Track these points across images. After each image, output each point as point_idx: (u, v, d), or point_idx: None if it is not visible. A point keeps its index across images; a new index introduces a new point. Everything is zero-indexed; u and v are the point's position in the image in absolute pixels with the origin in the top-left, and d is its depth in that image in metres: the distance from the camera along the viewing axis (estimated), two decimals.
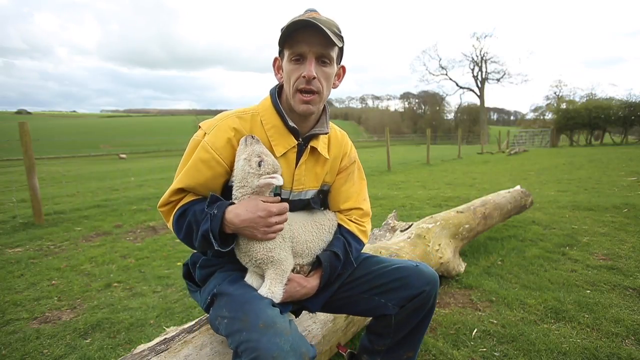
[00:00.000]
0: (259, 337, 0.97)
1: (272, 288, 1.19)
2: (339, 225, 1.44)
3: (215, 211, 1.14)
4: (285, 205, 1.20)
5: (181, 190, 1.24)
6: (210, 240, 1.14)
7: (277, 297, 1.18)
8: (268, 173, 1.15)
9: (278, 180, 1.14)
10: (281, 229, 1.20)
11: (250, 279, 1.25)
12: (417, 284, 1.32)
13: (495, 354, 1.84)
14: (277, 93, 1.33)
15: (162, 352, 1.18)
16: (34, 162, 4.84)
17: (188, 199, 1.25)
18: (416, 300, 1.32)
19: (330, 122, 1.41)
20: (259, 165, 1.14)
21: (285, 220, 1.21)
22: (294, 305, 1.34)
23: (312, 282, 1.29)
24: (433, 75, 55.64)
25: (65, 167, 13.83)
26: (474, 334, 2.02)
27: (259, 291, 1.18)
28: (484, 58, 51.63)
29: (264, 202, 1.16)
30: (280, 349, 0.95)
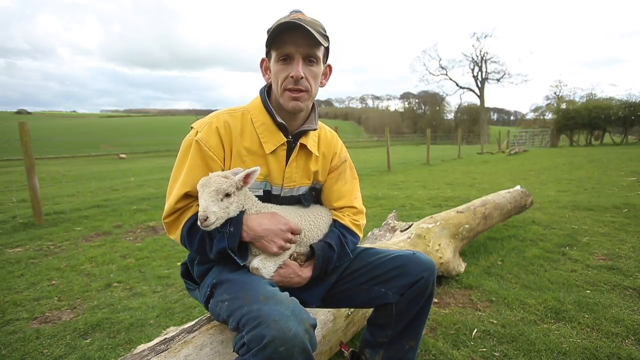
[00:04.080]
0: (260, 306, 1.00)
1: (264, 260, 1.22)
2: (334, 220, 1.46)
3: (232, 229, 1.17)
4: (300, 227, 1.28)
5: (187, 196, 1.23)
6: (229, 256, 1.19)
7: (268, 271, 1.22)
8: (232, 185, 1.14)
9: (256, 172, 1.17)
10: (290, 248, 1.26)
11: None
12: (415, 271, 1.34)
13: (495, 354, 1.84)
14: (267, 93, 1.36)
15: (162, 352, 1.18)
16: (34, 162, 4.84)
17: (195, 209, 1.24)
18: (415, 287, 1.33)
19: (320, 122, 1.44)
20: (228, 195, 1.14)
21: (296, 242, 1.28)
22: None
23: (305, 273, 1.31)
24: (433, 75, 55.63)
25: (65, 167, 13.83)
26: (474, 334, 2.02)
27: (252, 262, 1.22)
28: (484, 58, 51.61)
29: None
30: (282, 313, 0.97)
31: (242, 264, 1.21)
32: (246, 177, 1.17)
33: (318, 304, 1.39)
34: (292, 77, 1.22)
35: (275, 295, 1.04)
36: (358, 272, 1.39)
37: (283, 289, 1.30)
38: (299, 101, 1.26)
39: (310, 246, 1.34)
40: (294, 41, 1.20)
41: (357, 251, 1.45)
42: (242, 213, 1.22)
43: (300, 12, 1.26)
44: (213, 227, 1.12)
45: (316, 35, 1.18)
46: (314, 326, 1.04)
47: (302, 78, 1.22)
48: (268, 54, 1.30)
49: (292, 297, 1.08)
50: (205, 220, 1.08)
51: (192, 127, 1.31)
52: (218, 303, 1.15)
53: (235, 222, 1.18)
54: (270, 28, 1.21)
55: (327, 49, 1.31)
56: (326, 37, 1.25)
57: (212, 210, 1.09)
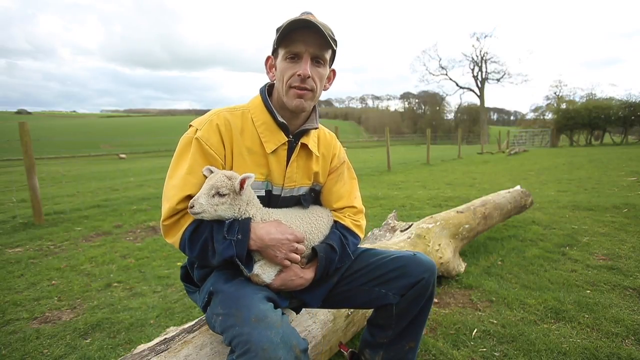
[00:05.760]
0: (251, 330, 0.98)
1: (264, 266, 1.22)
2: (335, 221, 1.46)
3: (240, 236, 1.16)
4: (303, 236, 1.28)
5: (189, 197, 1.20)
6: (235, 264, 1.19)
7: (269, 276, 1.22)
8: (229, 187, 1.15)
9: (250, 179, 1.17)
10: (298, 260, 1.25)
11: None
12: (416, 272, 1.34)
13: (495, 354, 1.84)
14: (268, 92, 1.36)
15: (162, 352, 1.18)
16: (34, 162, 4.84)
17: None
18: (416, 288, 1.33)
19: (319, 124, 1.43)
20: (221, 195, 1.15)
21: (303, 252, 1.28)
22: (293, 301, 1.35)
23: (308, 274, 1.31)
24: (433, 75, 55.64)
25: (65, 167, 13.83)
26: (474, 334, 2.02)
27: (253, 269, 1.21)
28: (484, 58, 51.62)
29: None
30: (271, 341, 0.96)
31: (247, 274, 1.20)
32: (241, 182, 1.16)
33: (319, 305, 1.39)
34: (299, 75, 1.21)
35: (267, 318, 1.01)
36: (358, 273, 1.39)
37: (285, 291, 1.29)
38: (302, 99, 1.25)
39: (312, 248, 1.34)
40: (304, 40, 1.21)
41: (357, 252, 1.45)
42: (248, 220, 1.20)
43: (311, 13, 1.26)
44: (198, 217, 1.15)
45: (327, 37, 1.19)
46: (305, 350, 1.03)
47: (309, 77, 1.22)
48: (275, 51, 1.29)
49: (285, 317, 1.06)
50: (191, 207, 1.13)
51: (190, 125, 1.29)
52: (213, 315, 1.14)
53: (243, 230, 1.17)
54: (281, 26, 1.21)
55: (334, 53, 1.31)
56: (335, 41, 1.26)
57: (199, 202, 1.13)
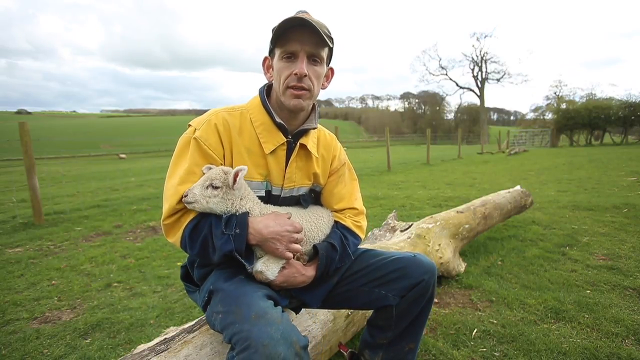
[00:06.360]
0: (251, 327, 0.98)
1: (267, 263, 1.21)
2: (335, 222, 1.46)
3: (238, 230, 1.16)
4: (301, 225, 1.27)
5: None
6: (235, 259, 1.17)
7: (272, 272, 1.21)
8: (223, 180, 1.17)
9: (243, 171, 1.18)
10: (299, 250, 1.25)
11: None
12: (416, 273, 1.33)
13: (495, 354, 1.84)
14: (266, 92, 1.35)
15: (162, 352, 1.18)
16: (34, 162, 4.84)
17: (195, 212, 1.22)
18: (416, 290, 1.33)
19: (319, 125, 1.43)
20: (214, 187, 1.17)
21: (302, 240, 1.27)
22: (293, 301, 1.35)
23: (309, 272, 1.31)
24: (433, 75, 55.63)
25: (65, 167, 13.84)
26: (474, 334, 2.02)
27: (255, 265, 1.21)
28: (484, 58, 51.60)
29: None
30: (271, 337, 0.96)
31: (248, 268, 1.19)
32: (234, 175, 1.17)
33: (319, 305, 1.38)
34: (295, 74, 1.21)
35: (267, 314, 1.01)
36: (359, 273, 1.39)
37: (285, 290, 1.29)
38: (300, 99, 1.25)
39: (314, 246, 1.34)
40: (299, 39, 1.20)
41: (357, 253, 1.45)
42: (246, 214, 1.20)
43: (306, 12, 1.25)
44: (190, 207, 1.17)
45: (322, 35, 1.18)
46: (305, 347, 1.03)
47: (305, 76, 1.21)
48: (271, 52, 1.29)
49: (285, 314, 1.06)
50: (185, 196, 1.16)
51: (189, 125, 1.29)
52: (213, 314, 1.13)
53: (241, 224, 1.16)
54: (277, 25, 1.21)
55: (330, 51, 1.30)
56: (331, 39, 1.25)
57: (193, 192, 1.15)
